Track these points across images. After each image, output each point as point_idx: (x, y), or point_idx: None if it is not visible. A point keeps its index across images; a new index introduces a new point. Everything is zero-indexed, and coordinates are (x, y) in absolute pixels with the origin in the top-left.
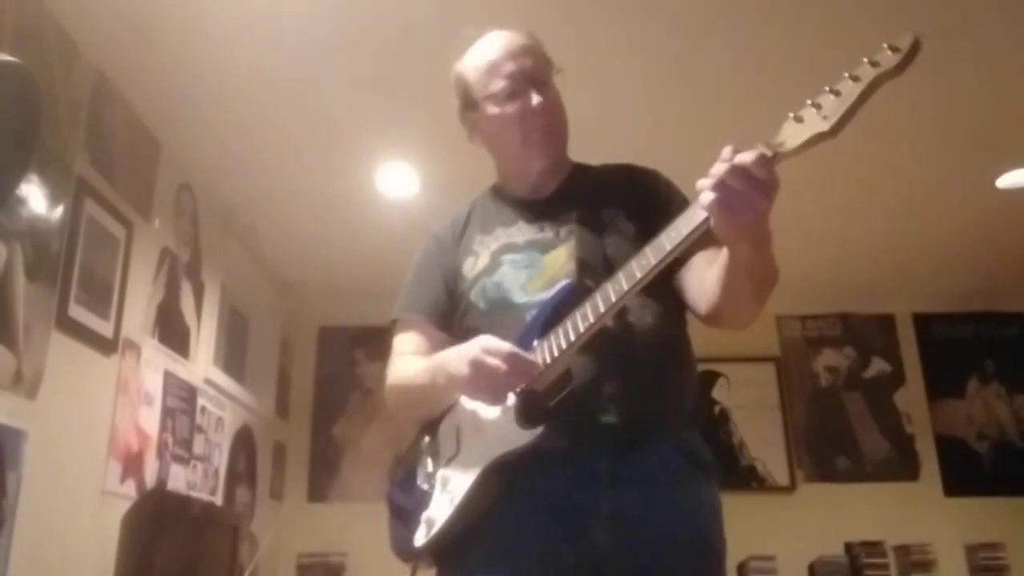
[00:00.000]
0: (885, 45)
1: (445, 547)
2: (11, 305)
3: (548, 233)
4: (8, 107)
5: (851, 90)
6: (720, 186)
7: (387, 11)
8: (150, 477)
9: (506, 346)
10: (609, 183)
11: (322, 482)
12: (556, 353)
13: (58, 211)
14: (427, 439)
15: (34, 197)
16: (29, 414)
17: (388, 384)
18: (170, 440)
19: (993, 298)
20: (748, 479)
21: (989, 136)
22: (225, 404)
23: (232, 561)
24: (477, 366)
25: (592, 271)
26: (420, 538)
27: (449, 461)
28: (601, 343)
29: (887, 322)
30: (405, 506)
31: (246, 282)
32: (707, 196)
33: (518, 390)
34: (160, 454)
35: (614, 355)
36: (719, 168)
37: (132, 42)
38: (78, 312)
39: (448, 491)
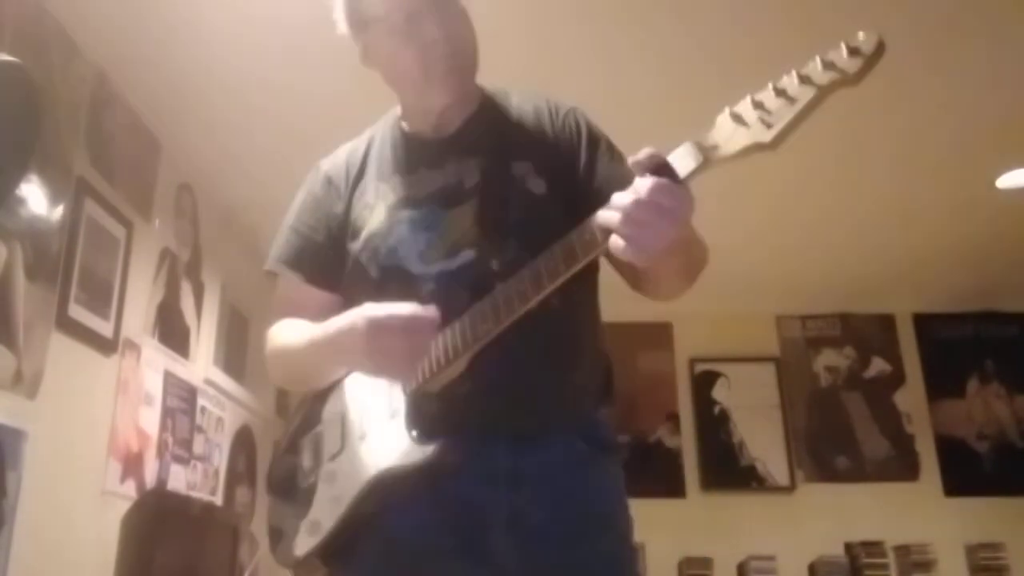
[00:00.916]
0: (843, 45)
1: (331, 553)
2: (11, 305)
3: (451, 181)
4: (8, 107)
5: (800, 95)
6: (627, 224)
7: None
8: (150, 477)
9: (397, 317)
10: (521, 126)
11: None
12: (452, 356)
13: (58, 211)
14: (310, 422)
15: (34, 197)
16: (29, 414)
17: (268, 350)
18: (170, 440)
19: (993, 298)
20: (748, 479)
21: (989, 136)
22: (225, 404)
23: (232, 561)
24: (375, 347)
25: (497, 243)
26: (302, 545)
27: (333, 457)
28: (502, 336)
29: (887, 322)
30: (285, 502)
31: (246, 282)
32: (617, 243)
33: (409, 389)
34: (160, 454)
35: (515, 349)
36: (624, 201)
37: (132, 42)
38: (78, 312)
39: (331, 495)
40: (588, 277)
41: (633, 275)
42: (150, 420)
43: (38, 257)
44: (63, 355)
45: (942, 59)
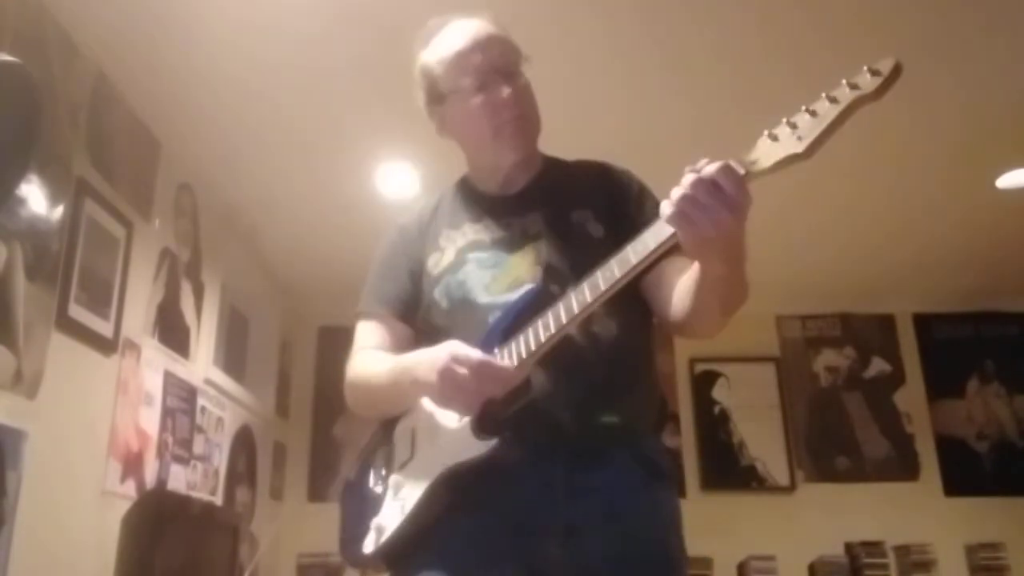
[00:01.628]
0: (865, 68)
1: (395, 555)
2: (11, 305)
3: (515, 231)
4: (8, 107)
5: (827, 112)
6: (684, 199)
7: (387, 10)
8: (150, 477)
9: (476, 355)
10: (580, 182)
11: (322, 482)
12: (516, 362)
13: (58, 211)
14: (382, 440)
15: (34, 197)
16: (29, 414)
17: (348, 379)
18: (170, 440)
19: (993, 298)
20: (748, 479)
21: (989, 136)
22: (225, 404)
23: (232, 561)
24: (446, 376)
25: (558, 276)
26: (369, 545)
27: (402, 466)
28: (563, 352)
29: (887, 322)
30: (356, 509)
31: (246, 282)
32: (668, 208)
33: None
34: (160, 454)
35: (576, 365)
36: (687, 179)
37: (132, 42)
38: (78, 312)
39: (400, 498)
40: (644, 312)
41: (679, 312)
42: (150, 420)
43: (38, 257)
44: (63, 355)
45: (943, 60)
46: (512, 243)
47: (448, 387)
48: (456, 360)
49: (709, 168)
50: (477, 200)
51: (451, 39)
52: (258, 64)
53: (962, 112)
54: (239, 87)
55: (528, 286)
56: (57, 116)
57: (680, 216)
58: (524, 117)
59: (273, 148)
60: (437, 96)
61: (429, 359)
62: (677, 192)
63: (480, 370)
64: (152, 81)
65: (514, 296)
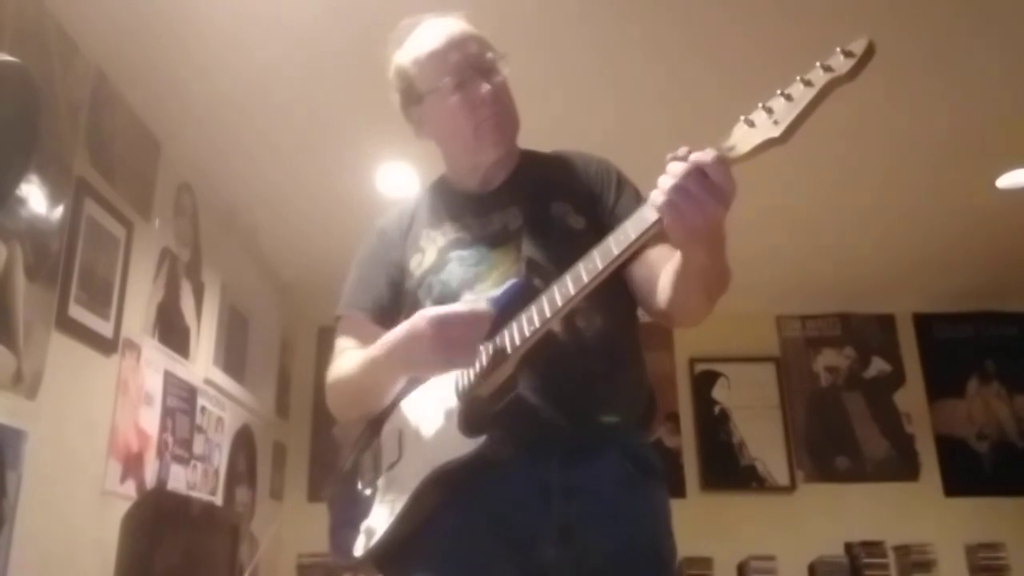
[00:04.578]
0: (838, 49)
1: (385, 557)
2: (11, 305)
3: (496, 227)
4: (8, 107)
5: (802, 95)
6: (675, 189)
7: (388, 9)
8: (150, 477)
9: (458, 312)
10: (558, 174)
11: (322, 482)
12: (500, 356)
13: (58, 211)
14: (369, 442)
15: (34, 197)
16: (29, 414)
17: (328, 382)
18: (170, 440)
19: (993, 298)
20: (748, 479)
21: (989, 136)
22: (225, 404)
23: (232, 561)
24: (439, 343)
25: (541, 270)
26: (359, 548)
27: (391, 467)
28: (549, 347)
29: (887, 322)
30: (345, 512)
31: (246, 282)
32: (659, 198)
33: (464, 390)
34: (160, 454)
35: (561, 360)
36: (676, 168)
37: (132, 42)
38: (78, 312)
39: (388, 499)
40: (628, 305)
41: (664, 300)
42: (150, 420)
43: (38, 257)
44: (63, 355)
45: (942, 60)
46: (493, 240)
47: (448, 350)
48: (440, 323)
49: (699, 158)
50: (456, 199)
51: (425, 39)
52: (258, 64)
53: (962, 112)
54: (239, 87)
55: (511, 280)
56: (57, 116)
57: (670, 207)
58: (503, 113)
59: (273, 148)
60: (414, 97)
61: (409, 335)
62: (668, 182)
63: (468, 318)
64: (152, 81)
65: (497, 292)
